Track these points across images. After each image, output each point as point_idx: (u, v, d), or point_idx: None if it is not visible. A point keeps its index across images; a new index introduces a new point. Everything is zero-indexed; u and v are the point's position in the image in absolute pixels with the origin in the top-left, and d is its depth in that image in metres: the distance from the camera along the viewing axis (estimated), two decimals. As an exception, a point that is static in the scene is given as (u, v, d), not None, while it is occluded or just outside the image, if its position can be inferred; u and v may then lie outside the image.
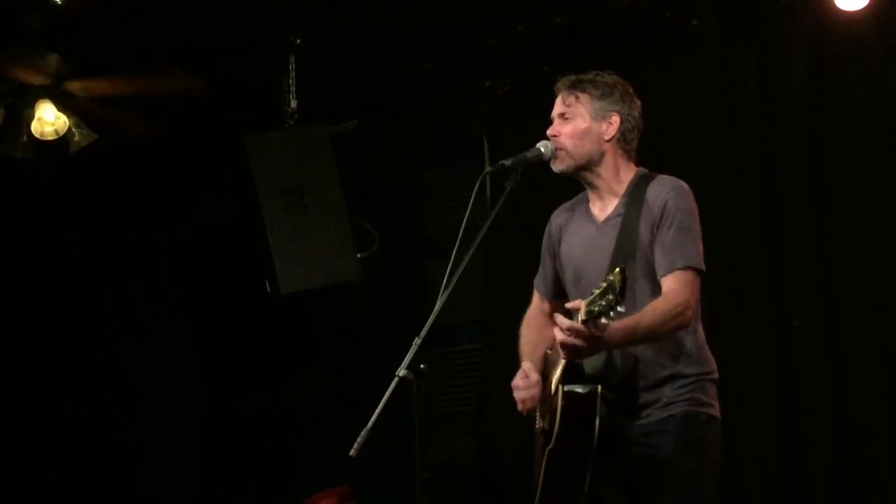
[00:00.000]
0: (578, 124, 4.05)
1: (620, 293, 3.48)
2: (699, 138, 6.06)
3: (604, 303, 3.52)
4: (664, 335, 3.87)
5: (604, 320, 3.57)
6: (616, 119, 4.07)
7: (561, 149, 4.04)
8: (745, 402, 5.71)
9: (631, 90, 4.13)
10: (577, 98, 4.08)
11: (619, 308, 3.51)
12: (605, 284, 3.54)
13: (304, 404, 7.16)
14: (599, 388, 3.84)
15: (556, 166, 4.08)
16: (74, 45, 5.86)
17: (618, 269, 3.52)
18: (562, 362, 3.86)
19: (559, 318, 3.71)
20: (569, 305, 3.74)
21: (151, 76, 5.99)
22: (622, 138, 4.08)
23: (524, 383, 4.05)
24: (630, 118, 4.10)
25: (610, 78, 4.13)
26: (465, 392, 6.82)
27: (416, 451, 3.67)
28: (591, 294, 3.59)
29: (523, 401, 4.05)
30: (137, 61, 6.10)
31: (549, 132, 4.07)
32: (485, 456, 6.52)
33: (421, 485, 3.65)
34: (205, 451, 7.31)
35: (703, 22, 6.06)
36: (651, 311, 3.81)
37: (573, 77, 4.13)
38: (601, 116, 4.06)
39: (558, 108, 4.10)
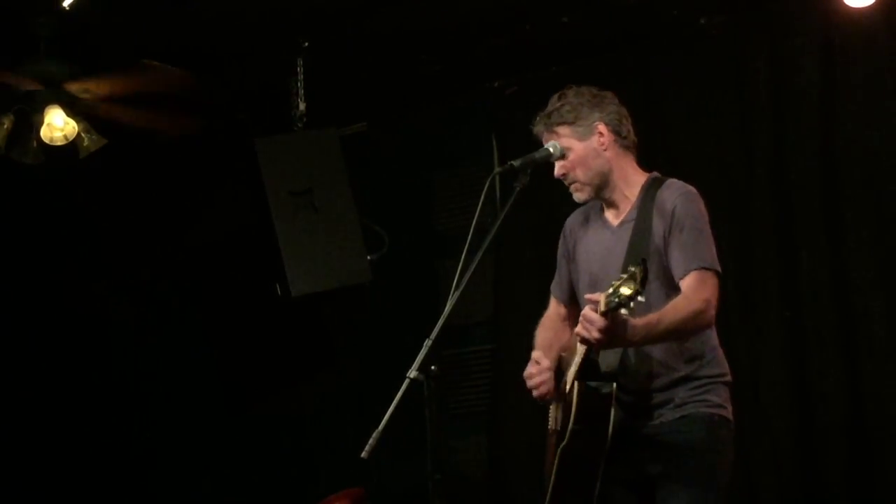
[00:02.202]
0: (576, 153, 4.06)
1: (641, 283, 3.48)
2: (709, 136, 6.05)
3: (623, 293, 3.52)
4: (686, 334, 3.88)
5: (624, 311, 3.56)
6: (602, 126, 4.07)
7: (574, 182, 4.07)
8: (759, 402, 5.70)
9: (595, 90, 4.12)
10: (558, 134, 4.09)
11: (639, 298, 3.51)
12: (625, 275, 3.54)
13: (315, 406, 7.17)
14: (615, 385, 3.84)
15: (579, 197, 4.12)
16: (82, 50, 5.87)
17: (640, 260, 3.53)
18: (577, 359, 3.86)
19: (584, 309, 3.71)
20: (588, 297, 3.73)
21: (137, 73, 5.98)
22: (616, 136, 4.09)
23: (536, 369, 4.05)
24: (612, 114, 4.09)
25: (573, 95, 4.11)
26: (477, 393, 6.82)
27: (429, 453, 3.66)
28: (611, 286, 3.58)
29: (537, 386, 4.05)
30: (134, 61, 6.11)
31: (556, 174, 4.09)
32: (497, 456, 6.52)
33: (433, 486, 3.65)
34: (218, 454, 7.32)
35: (711, 20, 6.05)
36: (672, 310, 3.81)
37: (542, 118, 4.13)
38: (588, 134, 4.06)
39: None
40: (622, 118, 4.11)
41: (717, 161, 5.99)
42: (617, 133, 4.08)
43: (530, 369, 4.08)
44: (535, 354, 4.10)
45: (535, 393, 4.06)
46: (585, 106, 4.08)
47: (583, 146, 4.06)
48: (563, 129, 4.07)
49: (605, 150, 4.06)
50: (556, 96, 4.13)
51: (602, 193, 4.11)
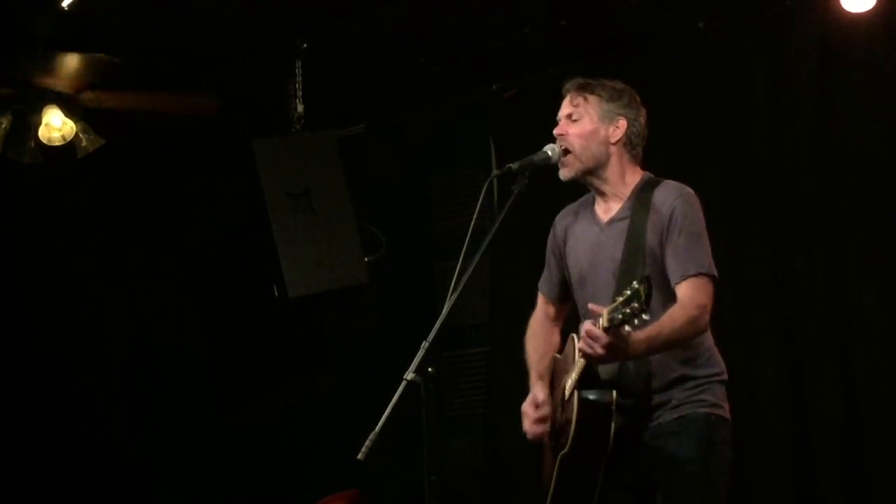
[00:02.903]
0: (585, 125, 4.05)
1: (646, 302, 3.48)
2: (706, 140, 6.06)
3: (628, 311, 3.52)
4: (683, 342, 3.88)
5: (627, 328, 3.57)
6: (623, 123, 4.06)
7: (568, 151, 4.04)
8: (755, 403, 5.71)
9: (638, 98, 4.13)
10: (585, 99, 4.07)
11: (644, 317, 3.51)
12: (629, 293, 3.53)
13: (312, 408, 7.17)
14: (615, 393, 3.84)
15: (564, 174, 4.07)
16: (81, 50, 5.87)
17: (643, 277, 3.52)
18: (578, 369, 3.86)
19: (586, 324, 3.72)
20: (591, 307, 3.73)
21: (170, 94, 6.00)
22: (628, 143, 4.08)
23: (533, 414, 4.05)
24: (636, 124, 4.09)
25: (618, 84, 4.13)
26: (474, 395, 6.82)
27: (425, 455, 3.66)
28: (615, 302, 3.59)
29: (532, 431, 4.05)
30: (149, 71, 6.11)
31: (555, 131, 4.07)
32: (493, 458, 6.52)
33: (429, 488, 3.65)
34: (214, 454, 7.32)
35: (709, 24, 6.06)
36: (670, 320, 3.81)
37: (582, 79, 4.13)
38: (608, 119, 4.06)
39: (566, 108, 4.10)
40: (641, 133, 4.10)
41: (714, 164, 5.99)
42: (629, 138, 4.07)
43: (528, 409, 4.06)
44: (538, 396, 4.06)
45: (528, 435, 4.06)
46: (625, 98, 4.08)
47: (597, 124, 4.04)
48: (592, 98, 4.06)
49: (612, 143, 4.05)
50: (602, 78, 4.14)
51: (590, 180, 4.08)
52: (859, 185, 5.64)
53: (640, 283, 3.51)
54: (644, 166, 4.16)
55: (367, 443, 3.59)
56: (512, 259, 6.44)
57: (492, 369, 6.63)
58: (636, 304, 3.49)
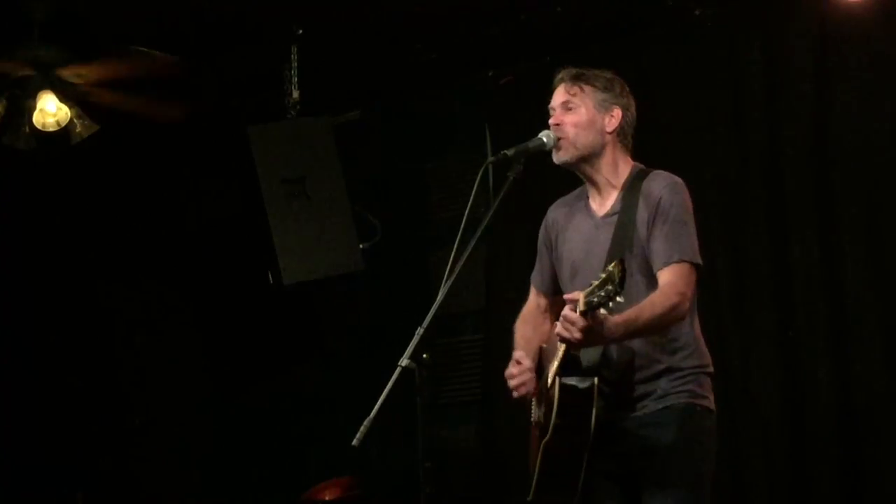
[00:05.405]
0: (582, 114, 4.06)
1: (620, 283, 3.49)
2: (702, 128, 6.05)
3: (602, 293, 3.53)
4: (662, 328, 3.88)
5: (602, 311, 3.58)
6: (618, 112, 4.07)
7: (563, 138, 4.04)
8: (750, 393, 5.70)
9: (627, 88, 4.14)
10: (581, 89, 4.08)
11: (618, 298, 3.51)
12: (604, 275, 3.54)
13: (307, 395, 7.18)
14: (596, 381, 3.84)
15: (559, 157, 4.07)
16: (74, 35, 5.86)
17: (617, 260, 3.53)
18: (559, 355, 3.86)
19: (564, 309, 3.71)
20: (567, 297, 3.72)
21: (126, 58, 5.97)
22: (622, 132, 4.09)
23: (517, 370, 4.04)
24: (629, 113, 4.11)
25: (609, 73, 4.15)
26: (468, 382, 6.83)
27: (419, 441, 3.67)
28: (590, 285, 3.59)
29: (517, 387, 4.04)
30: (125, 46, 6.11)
31: (551, 121, 4.07)
32: (488, 445, 6.53)
33: (424, 474, 3.65)
34: (209, 442, 7.32)
35: (705, 10, 6.05)
36: (650, 305, 3.81)
37: (575, 69, 4.14)
38: (604, 109, 4.07)
39: (560, 97, 4.10)
40: (633, 123, 4.12)
41: (711, 151, 5.99)
42: (622, 128, 4.08)
43: (511, 370, 4.06)
44: (517, 354, 4.08)
45: (514, 393, 4.05)
46: (617, 87, 4.10)
47: (592, 114, 4.05)
48: (587, 88, 4.07)
49: (608, 132, 4.06)
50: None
51: (583, 168, 4.09)
52: (856, 172, 5.64)
53: (614, 265, 3.52)
54: (640, 154, 4.16)
55: (362, 429, 3.59)
56: (507, 246, 6.44)
57: (487, 356, 6.63)
58: (610, 287, 3.50)
